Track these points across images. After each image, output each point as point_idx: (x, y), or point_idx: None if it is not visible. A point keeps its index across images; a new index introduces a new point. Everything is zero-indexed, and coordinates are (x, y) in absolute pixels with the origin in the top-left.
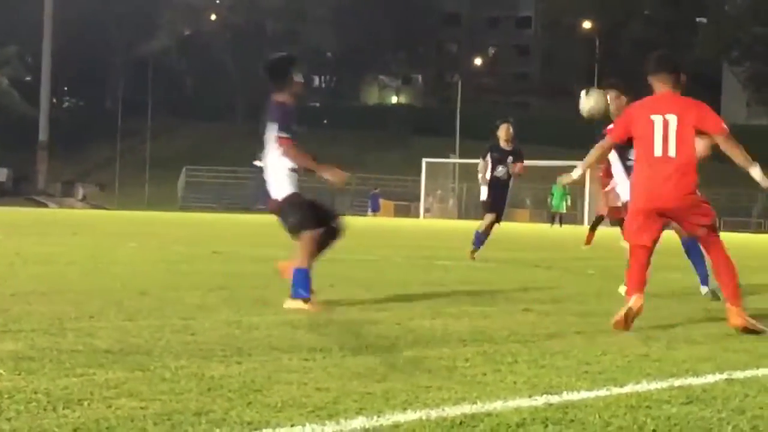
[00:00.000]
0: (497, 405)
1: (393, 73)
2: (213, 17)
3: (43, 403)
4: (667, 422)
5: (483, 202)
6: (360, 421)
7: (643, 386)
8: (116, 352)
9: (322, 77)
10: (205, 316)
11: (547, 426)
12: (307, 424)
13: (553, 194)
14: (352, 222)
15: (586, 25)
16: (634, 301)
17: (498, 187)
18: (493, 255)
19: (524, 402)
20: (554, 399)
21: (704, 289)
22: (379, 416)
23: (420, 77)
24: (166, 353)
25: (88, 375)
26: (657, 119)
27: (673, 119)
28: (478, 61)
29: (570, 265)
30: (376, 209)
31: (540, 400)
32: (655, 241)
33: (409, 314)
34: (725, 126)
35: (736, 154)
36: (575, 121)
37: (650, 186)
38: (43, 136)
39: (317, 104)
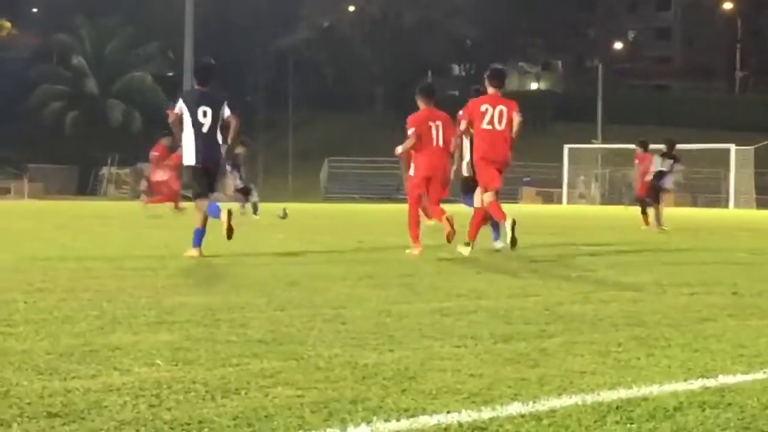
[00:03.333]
0: (653, 389)
1: (532, 59)
2: (351, 8)
3: (201, 392)
4: None
5: None
6: (516, 407)
7: None
8: (270, 341)
9: (462, 66)
10: (355, 304)
11: (704, 410)
12: (464, 411)
13: None
14: None
15: (727, 5)
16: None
17: None
18: (638, 238)
19: (680, 386)
20: (710, 383)
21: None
22: (534, 402)
23: (560, 63)
24: (318, 342)
25: (243, 364)
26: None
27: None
28: (617, 45)
29: (715, 246)
30: None
31: (696, 384)
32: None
33: (558, 299)
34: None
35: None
36: (717, 103)
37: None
38: None
39: (456, 93)
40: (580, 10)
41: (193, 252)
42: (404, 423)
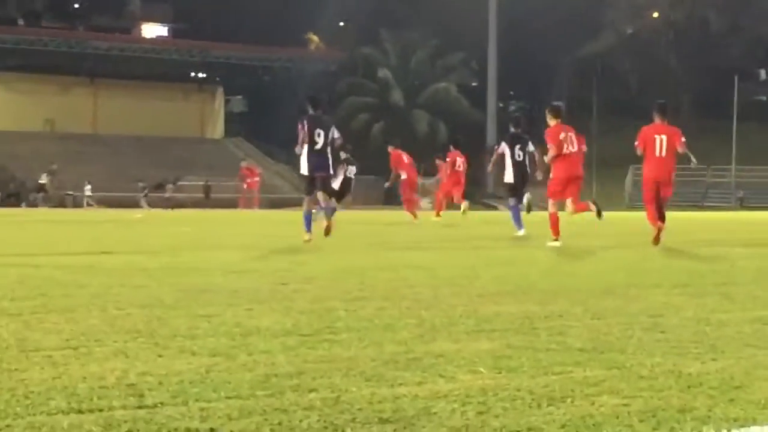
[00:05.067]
0: None
1: None
2: (655, 15)
3: (527, 400)
4: None
5: None
6: None
7: None
8: (590, 350)
9: None
10: (672, 313)
11: None
12: None
13: None
14: None
15: None
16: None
17: None
18: None
19: None
20: None
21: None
22: None
23: None
24: (639, 350)
25: (566, 373)
26: (659, 137)
27: (665, 138)
28: None
29: None
30: None
31: None
32: (658, 199)
33: None
34: (684, 141)
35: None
36: None
37: (657, 169)
38: (491, 140)
39: (764, 98)
40: None
41: (306, 236)
42: None
